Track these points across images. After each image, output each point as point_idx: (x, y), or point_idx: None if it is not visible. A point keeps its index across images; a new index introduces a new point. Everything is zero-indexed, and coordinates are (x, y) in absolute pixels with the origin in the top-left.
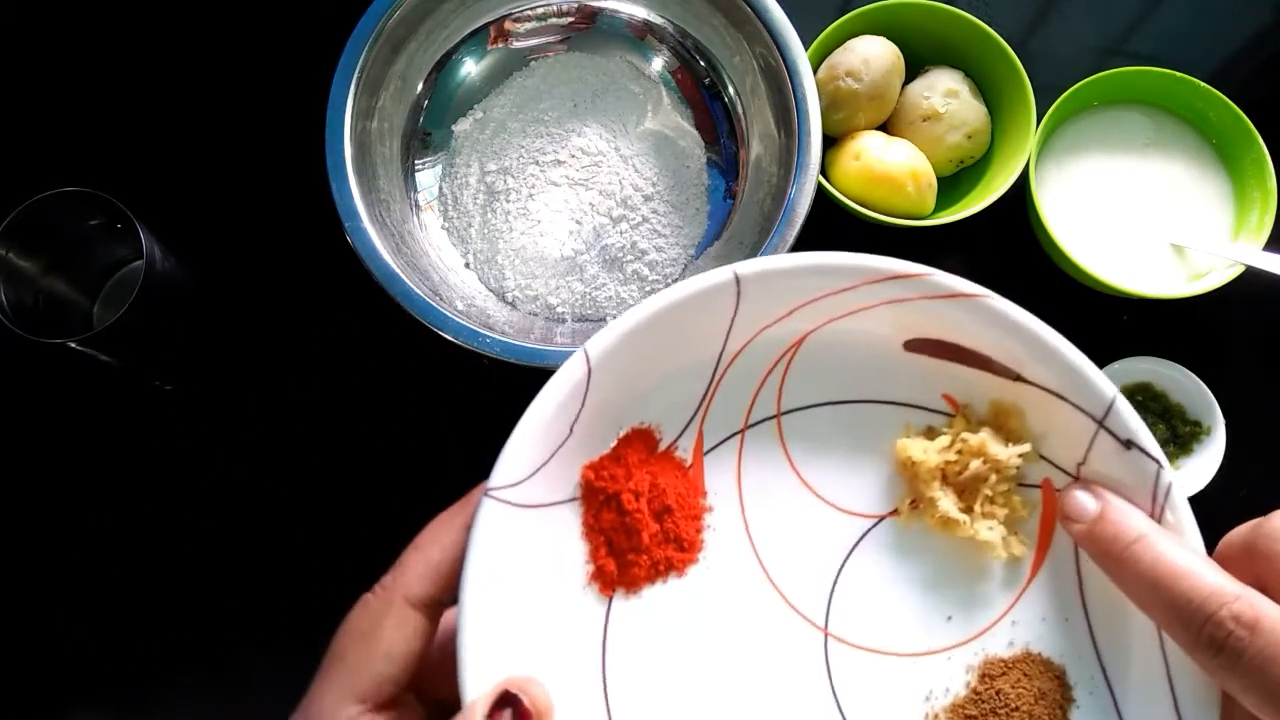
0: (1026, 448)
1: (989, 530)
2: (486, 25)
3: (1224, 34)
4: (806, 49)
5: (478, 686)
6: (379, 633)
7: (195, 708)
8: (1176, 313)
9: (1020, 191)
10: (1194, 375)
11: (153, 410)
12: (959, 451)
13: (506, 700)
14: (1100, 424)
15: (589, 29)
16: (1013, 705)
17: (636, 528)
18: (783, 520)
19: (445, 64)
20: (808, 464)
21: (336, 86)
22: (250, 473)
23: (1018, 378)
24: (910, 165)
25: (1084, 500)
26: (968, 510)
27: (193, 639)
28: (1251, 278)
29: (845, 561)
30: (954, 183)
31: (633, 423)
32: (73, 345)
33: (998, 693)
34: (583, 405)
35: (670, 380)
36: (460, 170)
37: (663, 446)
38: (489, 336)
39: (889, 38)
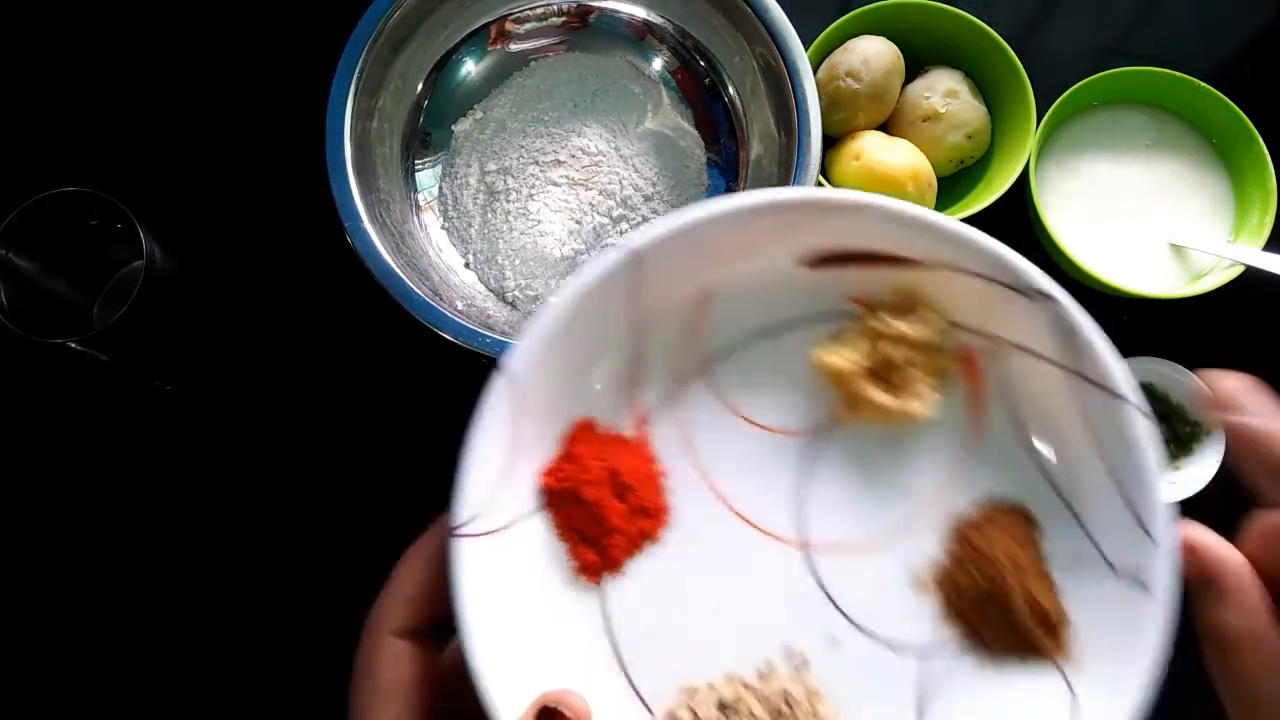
0: (937, 319)
1: (924, 406)
2: (486, 25)
3: (1224, 34)
4: (806, 49)
5: (511, 712)
6: (377, 669)
7: (195, 708)
8: (1176, 313)
9: (1020, 191)
10: (1194, 375)
11: (153, 410)
12: (876, 344)
13: (547, 715)
14: (995, 280)
15: (589, 29)
16: (992, 556)
17: (603, 514)
18: (736, 460)
19: (445, 64)
20: (744, 401)
21: (336, 86)
22: (250, 473)
23: (916, 263)
24: (910, 165)
25: (1250, 398)
26: (900, 394)
27: (193, 639)
28: (1251, 278)
29: (804, 478)
30: (954, 183)
31: (572, 417)
32: (73, 345)
33: (976, 549)
34: (518, 421)
35: (596, 366)
36: (460, 170)
37: (606, 430)
38: (489, 336)
39: (889, 38)
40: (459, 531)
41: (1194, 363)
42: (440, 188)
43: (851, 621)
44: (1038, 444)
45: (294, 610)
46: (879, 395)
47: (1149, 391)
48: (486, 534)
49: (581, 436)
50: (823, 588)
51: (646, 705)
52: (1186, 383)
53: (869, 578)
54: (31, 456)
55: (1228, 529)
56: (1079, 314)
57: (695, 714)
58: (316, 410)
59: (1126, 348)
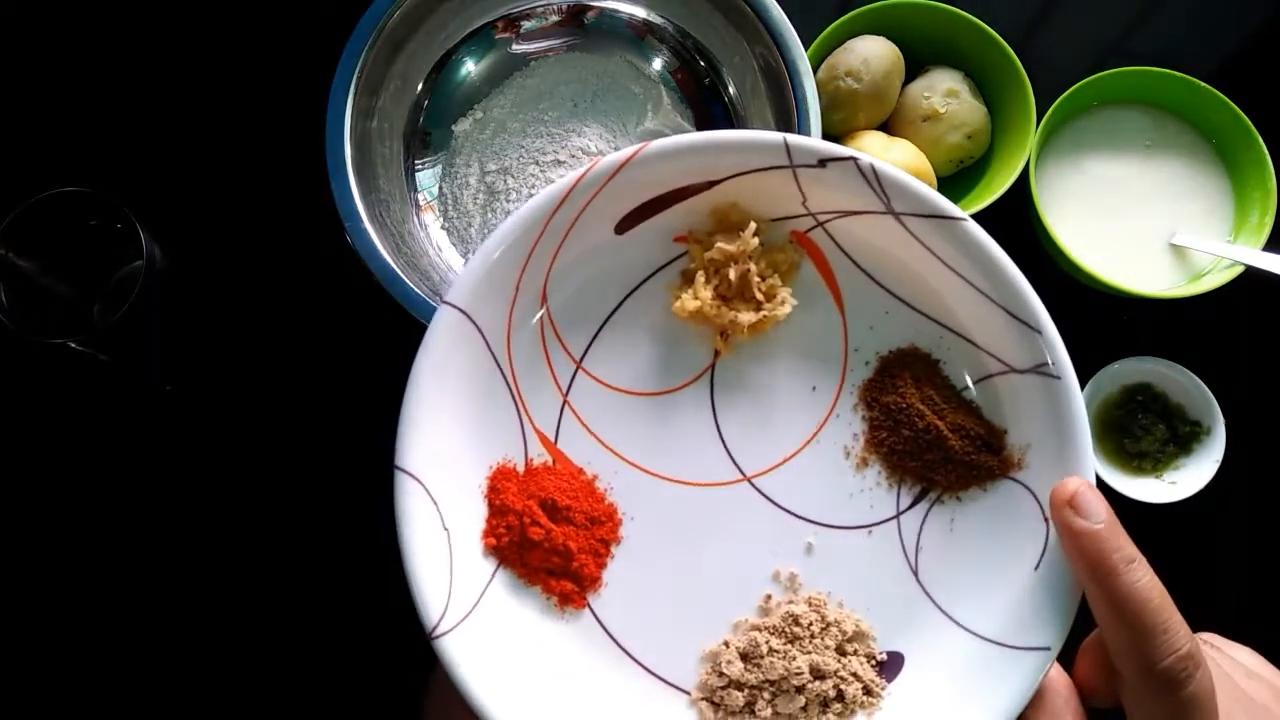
0: (753, 226)
1: (785, 304)
2: (486, 25)
3: (1224, 34)
4: (806, 49)
5: None
6: None
7: (197, 707)
8: (1176, 313)
9: (1020, 191)
10: (1194, 375)
11: (153, 410)
12: (718, 271)
13: None
14: (792, 166)
15: (589, 29)
16: (906, 405)
17: (557, 544)
18: (649, 435)
19: (445, 64)
20: (629, 379)
21: (336, 86)
22: (250, 473)
23: (711, 183)
24: (910, 165)
25: (1094, 502)
26: (759, 304)
27: (193, 639)
28: (1251, 278)
29: (715, 417)
30: (954, 183)
31: (485, 472)
32: (73, 345)
33: (888, 407)
34: (439, 508)
35: (483, 416)
36: (460, 170)
37: (521, 467)
38: None
39: (889, 38)
40: (437, 634)
41: (1194, 363)
42: (440, 188)
43: (817, 523)
44: (897, 287)
45: (293, 610)
46: (743, 315)
47: (1149, 391)
48: (462, 621)
49: (502, 485)
50: (780, 507)
51: (679, 689)
52: (1186, 383)
53: (815, 478)
54: (31, 456)
55: (1226, 528)
56: (877, 162)
57: (725, 675)
58: (317, 411)
59: (1126, 348)
